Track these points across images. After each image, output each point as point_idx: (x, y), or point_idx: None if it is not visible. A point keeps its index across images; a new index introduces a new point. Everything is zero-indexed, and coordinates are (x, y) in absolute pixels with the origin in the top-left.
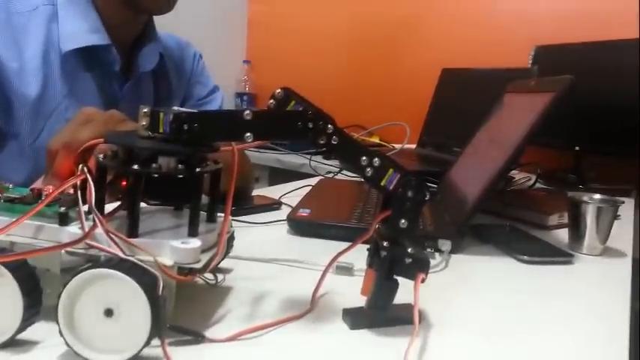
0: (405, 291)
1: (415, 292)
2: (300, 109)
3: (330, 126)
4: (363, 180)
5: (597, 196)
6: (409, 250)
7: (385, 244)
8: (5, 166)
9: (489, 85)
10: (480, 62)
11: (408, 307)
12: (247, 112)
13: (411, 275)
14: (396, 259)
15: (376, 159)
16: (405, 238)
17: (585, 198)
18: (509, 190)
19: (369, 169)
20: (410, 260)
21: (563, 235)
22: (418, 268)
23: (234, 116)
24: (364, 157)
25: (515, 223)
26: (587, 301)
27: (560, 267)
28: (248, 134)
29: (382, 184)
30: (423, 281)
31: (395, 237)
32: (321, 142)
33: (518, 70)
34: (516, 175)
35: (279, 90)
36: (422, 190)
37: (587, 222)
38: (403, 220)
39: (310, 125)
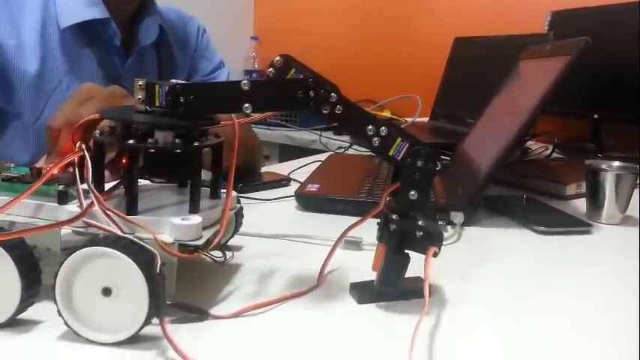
0: (415, 264)
1: (426, 267)
2: (302, 77)
3: (333, 94)
4: (371, 153)
5: (616, 163)
6: (420, 222)
7: (395, 217)
8: (10, 147)
9: (504, 53)
10: (493, 30)
11: (418, 280)
12: (245, 82)
13: (422, 249)
14: (405, 232)
15: (383, 128)
16: (415, 210)
17: (604, 165)
18: (526, 160)
19: (376, 139)
20: (421, 233)
21: (581, 205)
22: (430, 242)
23: (231, 87)
24: (370, 126)
25: (531, 194)
26: (606, 271)
27: (579, 237)
28: (247, 105)
29: (390, 154)
30: (435, 255)
31: (405, 209)
32: (325, 111)
33: (534, 36)
34: (533, 145)
35: (278, 57)
36: (432, 160)
37: (605, 190)
38: (413, 192)
39: (312, 94)
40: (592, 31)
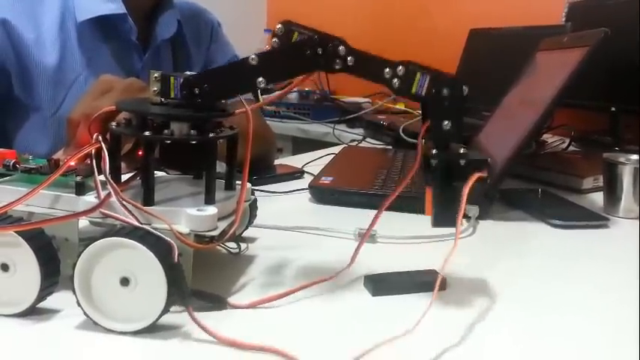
0: (431, 260)
1: (464, 192)
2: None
3: (341, 47)
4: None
5: (634, 156)
6: (461, 151)
7: (434, 152)
8: (29, 139)
9: (520, 44)
10: (510, 21)
11: (433, 273)
12: (252, 57)
13: (468, 177)
14: (449, 162)
15: (400, 67)
16: (452, 140)
17: (622, 158)
18: (542, 153)
19: (395, 81)
20: (464, 161)
21: (598, 198)
22: (475, 168)
23: (241, 65)
24: (387, 69)
25: (547, 188)
26: (624, 265)
27: (596, 231)
28: (260, 79)
29: (413, 92)
30: (482, 180)
31: (442, 142)
32: (337, 67)
33: (551, 28)
34: (549, 138)
35: (279, 25)
36: (458, 85)
37: (623, 183)
38: (446, 122)
39: (320, 51)
40: (610, 23)
